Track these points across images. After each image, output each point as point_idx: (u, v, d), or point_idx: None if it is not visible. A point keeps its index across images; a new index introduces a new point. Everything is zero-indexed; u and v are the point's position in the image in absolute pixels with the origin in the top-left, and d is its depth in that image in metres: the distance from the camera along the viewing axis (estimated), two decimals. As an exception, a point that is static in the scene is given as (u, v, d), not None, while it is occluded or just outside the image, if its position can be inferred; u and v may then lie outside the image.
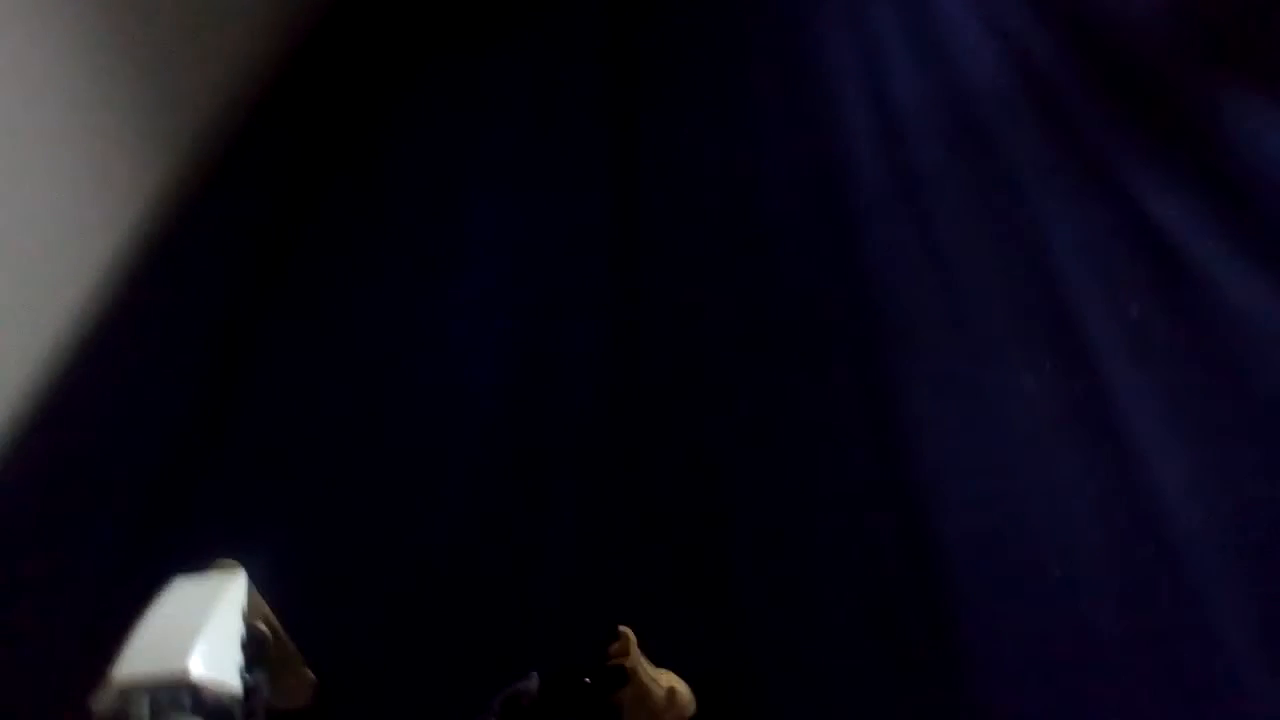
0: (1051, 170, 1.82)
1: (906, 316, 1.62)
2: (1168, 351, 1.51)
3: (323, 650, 1.04)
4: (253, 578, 0.94)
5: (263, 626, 0.95)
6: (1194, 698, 1.16)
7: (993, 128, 1.93)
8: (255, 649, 0.93)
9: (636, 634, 1.05)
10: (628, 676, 1.01)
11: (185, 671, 0.75)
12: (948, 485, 1.39)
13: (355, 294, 1.81)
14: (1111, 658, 1.21)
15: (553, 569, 1.34)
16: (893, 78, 2.09)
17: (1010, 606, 1.26)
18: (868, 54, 2.17)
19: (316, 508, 1.46)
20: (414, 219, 1.96)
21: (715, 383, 1.57)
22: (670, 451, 1.48)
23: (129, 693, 0.75)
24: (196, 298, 1.85)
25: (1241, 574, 1.27)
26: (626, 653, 1.02)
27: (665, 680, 1.09)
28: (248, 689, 0.87)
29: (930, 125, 1.97)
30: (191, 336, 1.78)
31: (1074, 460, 1.42)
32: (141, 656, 0.77)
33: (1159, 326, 1.55)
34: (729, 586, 1.30)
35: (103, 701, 0.76)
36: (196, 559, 0.90)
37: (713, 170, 1.94)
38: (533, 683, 0.92)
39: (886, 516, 1.37)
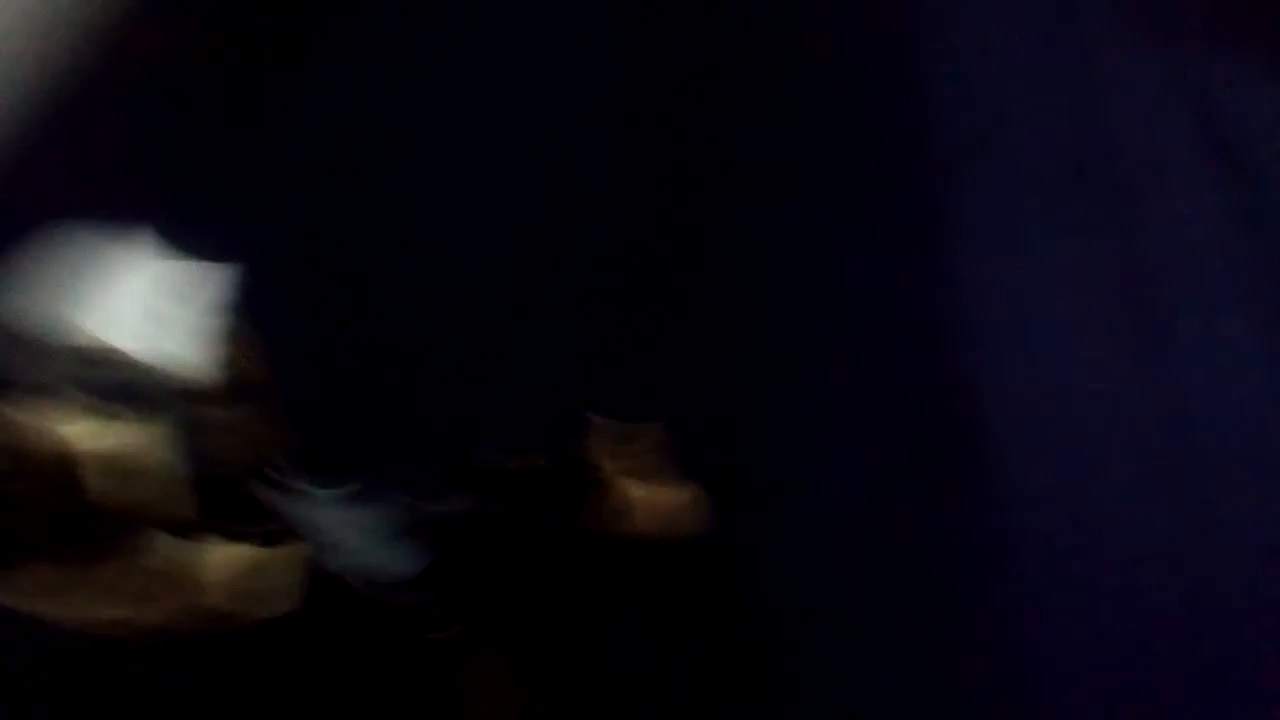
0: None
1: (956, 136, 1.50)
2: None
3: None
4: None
5: (253, 365, 0.84)
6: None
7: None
8: (243, 387, 0.81)
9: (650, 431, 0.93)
10: (593, 477, 0.89)
11: (155, 354, 0.63)
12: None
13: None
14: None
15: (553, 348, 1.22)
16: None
17: (1041, 423, 1.18)
18: None
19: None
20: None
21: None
22: (688, 238, 1.36)
23: (85, 364, 0.63)
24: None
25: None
26: (633, 454, 0.90)
27: (658, 498, 0.96)
28: (233, 419, 0.76)
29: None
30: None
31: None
32: (108, 327, 0.65)
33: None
34: (748, 395, 1.20)
35: (51, 371, 0.64)
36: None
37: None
38: (527, 460, 0.81)
39: (914, 324, 1.27)
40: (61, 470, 0.63)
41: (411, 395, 1.18)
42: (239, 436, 0.79)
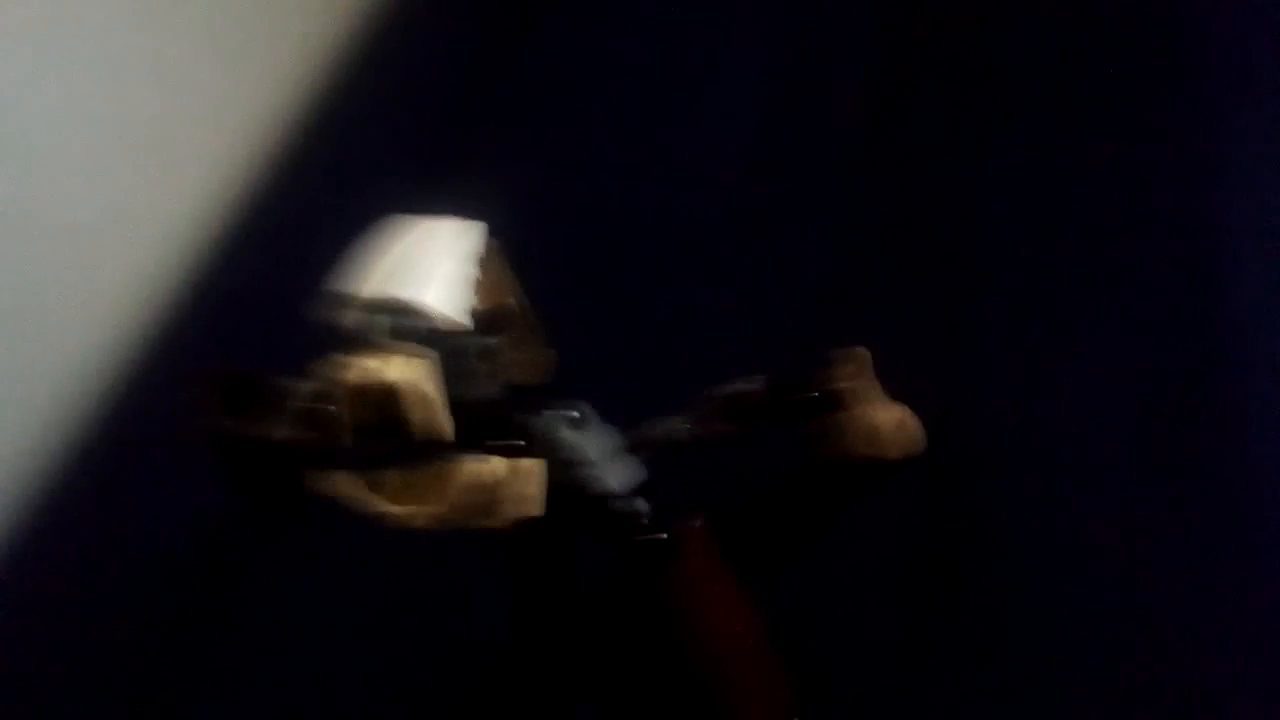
0: None
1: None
2: None
3: (565, 331, 1.05)
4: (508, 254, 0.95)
5: (511, 300, 0.98)
6: None
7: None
8: (500, 319, 0.96)
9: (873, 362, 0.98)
10: (851, 399, 0.95)
11: (423, 300, 0.76)
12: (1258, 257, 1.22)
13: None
14: None
15: (801, 280, 1.28)
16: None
17: None
18: None
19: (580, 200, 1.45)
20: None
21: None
22: (928, 174, 1.36)
23: (371, 311, 0.78)
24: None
25: None
26: (856, 375, 0.96)
27: (895, 412, 1.02)
28: (488, 349, 0.90)
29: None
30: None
31: None
32: (387, 280, 0.79)
33: None
34: (977, 342, 1.21)
35: (347, 315, 0.79)
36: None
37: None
38: (756, 383, 0.89)
39: (1176, 288, 1.22)
40: (367, 399, 0.78)
41: (653, 326, 1.29)
42: (499, 363, 0.94)
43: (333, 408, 0.79)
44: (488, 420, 0.86)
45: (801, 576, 1.05)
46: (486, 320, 0.98)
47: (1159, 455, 1.07)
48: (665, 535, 0.79)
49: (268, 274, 1.42)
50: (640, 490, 0.81)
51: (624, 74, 1.64)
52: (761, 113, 1.53)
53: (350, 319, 0.79)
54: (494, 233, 0.99)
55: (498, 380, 0.93)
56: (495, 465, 0.79)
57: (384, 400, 0.77)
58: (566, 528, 0.87)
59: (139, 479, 1.22)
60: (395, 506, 0.81)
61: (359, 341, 0.80)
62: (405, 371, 0.75)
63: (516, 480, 0.80)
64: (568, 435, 0.79)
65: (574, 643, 0.96)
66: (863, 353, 1.01)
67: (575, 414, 0.81)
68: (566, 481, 0.80)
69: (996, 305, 1.22)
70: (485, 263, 0.97)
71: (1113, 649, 0.93)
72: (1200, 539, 1.01)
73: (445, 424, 0.77)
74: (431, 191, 1.51)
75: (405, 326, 0.77)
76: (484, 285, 0.98)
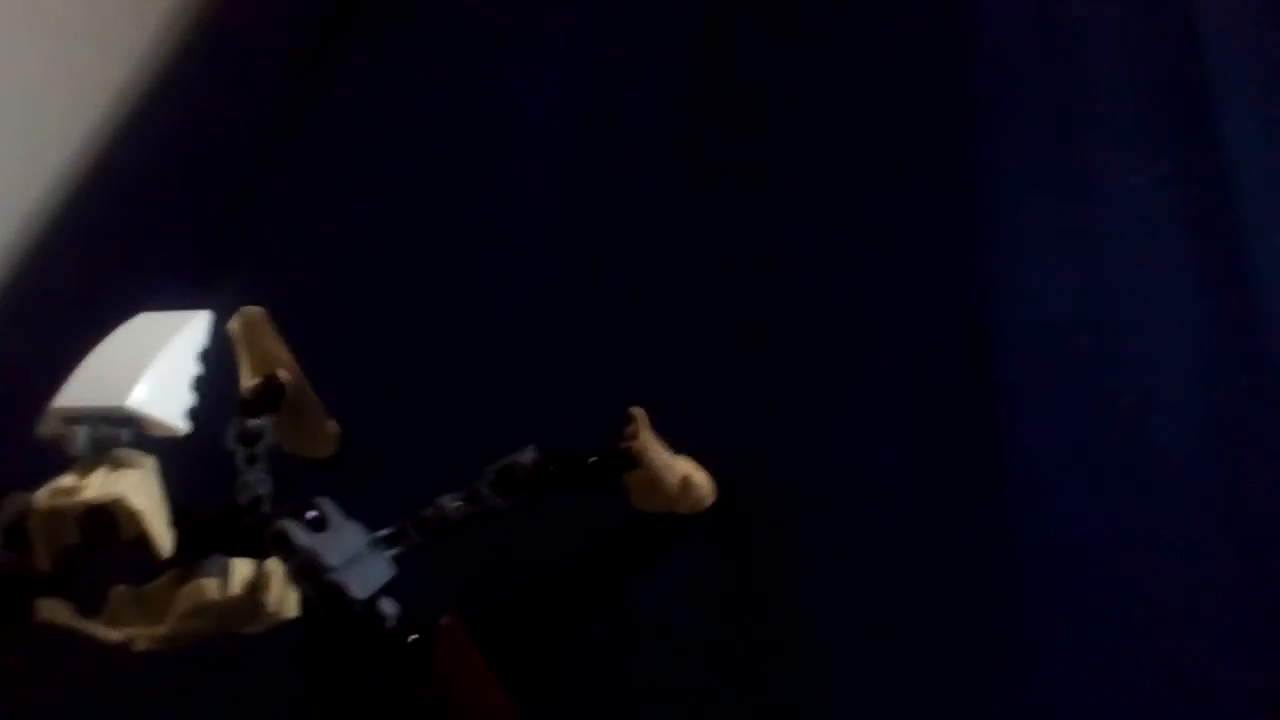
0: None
1: (1004, 88, 1.44)
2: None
3: (351, 403, 1.02)
4: (282, 326, 0.92)
5: (282, 374, 0.93)
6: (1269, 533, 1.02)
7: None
8: (269, 396, 0.92)
9: (661, 423, 0.96)
10: (635, 460, 0.94)
11: (121, 405, 0.70)
12: (1021, 283, 1.25)
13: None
14: (1177, 489, 1.07)
15: (593, 348, 1.27)
16: None
17: (1067, 424, 1.14)
18: None
19: (360, 267, 1.41)
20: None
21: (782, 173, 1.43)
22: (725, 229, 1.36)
23: (67, 422, 0.71)
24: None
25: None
26: (635, 435, 0.94)
27: (681, 468, 1.01)
28: (252, 431, 0.85)
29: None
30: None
31: (1175, 277, 1.26)
32: (84, 387, 0.73)
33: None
34: (766, 386, 1.21)
35: (44, 428, 0.72)
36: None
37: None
38: (527, 456, 0.85)
39: (950, 321, 1.25)
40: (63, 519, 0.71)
41: (428, 399, 1.25)
42: (268, 443, 0.88)
43: (29, 528, 0.72)
44: (222, 527, 0.80)
45: (594, 637, 1.02)
46: (253, 400, 0.93)
47: (940, 489, 1.09)
48: (412, 638, 0.74)
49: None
50: (388, 589, 0.76)
51: (415, 130, 1.60)
52: (554, 169, 1.50)
53: (48, 431, 0.72)
54: (269, 303, 0.94)
55: (264, 464, 0.88)
56: (236, 573, 0.74)
57: (84, 519, 0.70)
58: (325, 632, 0.82)
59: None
60: (114, 631, 0.74)
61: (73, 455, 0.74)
62: (107, 487, 0.69)
63: (255, 590, 0.75)
64: (303, 540, 0.74)
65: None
66: (639, 412, 0.99)
67: (313, 514, 0.76)
68: (306, 589, 0.75)
69: (786, 356, 1.22)
70: (248, 340, 0.92)
71: (922, 694, 0.93)
72: (990, 579, 1.03)
73: (162, 537, 0.71)
74: (209, 264, 1.43)
75: (109, 436, 0.70)
76: (251, 362, 0.93)
